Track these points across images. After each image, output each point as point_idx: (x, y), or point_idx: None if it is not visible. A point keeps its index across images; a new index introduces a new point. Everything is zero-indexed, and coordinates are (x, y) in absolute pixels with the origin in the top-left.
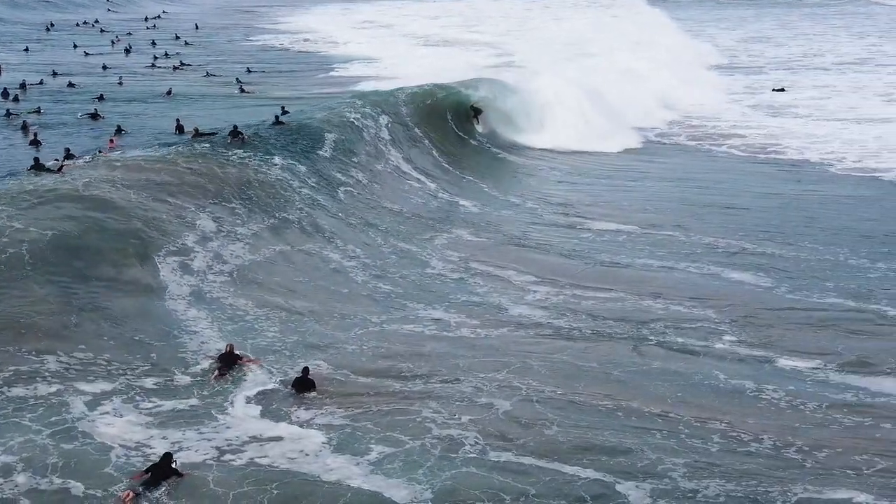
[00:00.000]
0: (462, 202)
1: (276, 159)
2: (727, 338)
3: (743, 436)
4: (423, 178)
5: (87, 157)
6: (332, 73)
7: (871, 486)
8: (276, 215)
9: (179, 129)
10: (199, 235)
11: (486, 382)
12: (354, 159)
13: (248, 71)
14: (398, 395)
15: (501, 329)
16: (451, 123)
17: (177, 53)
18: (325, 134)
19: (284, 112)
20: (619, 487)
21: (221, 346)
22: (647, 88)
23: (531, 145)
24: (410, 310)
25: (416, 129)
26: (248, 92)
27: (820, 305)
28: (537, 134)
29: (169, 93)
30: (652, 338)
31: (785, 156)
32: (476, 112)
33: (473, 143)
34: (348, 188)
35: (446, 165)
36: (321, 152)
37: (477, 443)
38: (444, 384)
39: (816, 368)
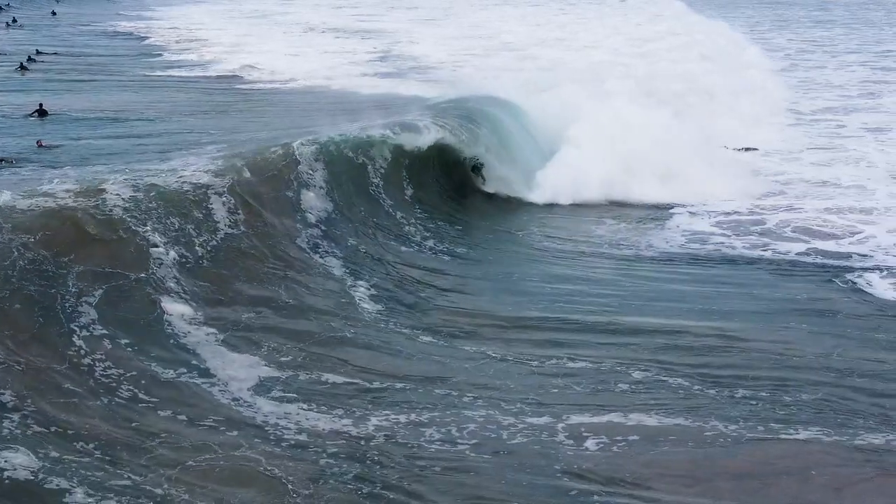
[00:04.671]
0: None
1: None
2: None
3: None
4: None
5: None
6: (152, 60)
7: None
8: None
9: None
10: None
11: None
12: None
13: (38, 52)
14: None
15: None
16: None
17: None
18: None
19: (41, 145)
20: None
21: None
22: None
23: None
24: None
25: None
26: (27, 69)
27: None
28: None
29: None
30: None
31: None
32: (476, 168)
33: None
34: None
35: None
36: None
37: None
38: None
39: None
